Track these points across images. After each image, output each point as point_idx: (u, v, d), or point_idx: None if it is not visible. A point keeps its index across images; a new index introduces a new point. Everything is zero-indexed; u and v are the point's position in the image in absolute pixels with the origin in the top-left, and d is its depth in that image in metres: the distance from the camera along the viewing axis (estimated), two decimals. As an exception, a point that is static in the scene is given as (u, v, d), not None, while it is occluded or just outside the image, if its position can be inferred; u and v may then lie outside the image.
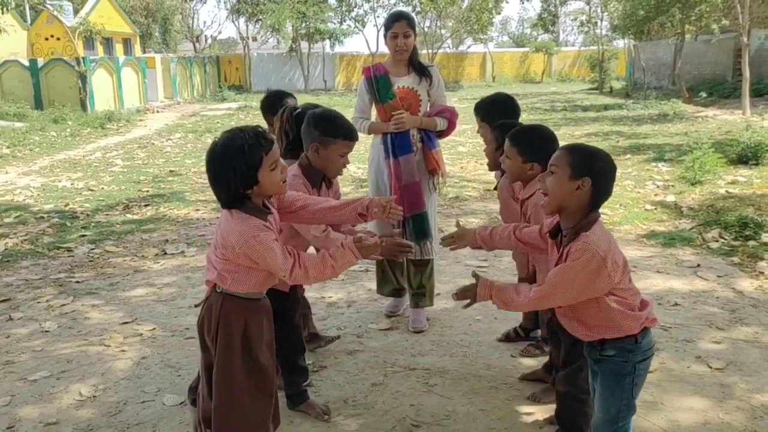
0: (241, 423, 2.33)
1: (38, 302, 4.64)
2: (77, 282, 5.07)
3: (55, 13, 21.77)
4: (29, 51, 24.47)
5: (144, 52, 31.44)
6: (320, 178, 2.90)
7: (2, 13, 17.26)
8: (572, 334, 2.59)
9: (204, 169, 2.28)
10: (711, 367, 3.39)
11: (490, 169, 3.39)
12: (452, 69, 35.76)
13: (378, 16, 32.71)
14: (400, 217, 2.74)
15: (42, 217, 7.28)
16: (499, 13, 33.84)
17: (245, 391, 2.31)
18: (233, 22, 35.12)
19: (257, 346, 2.33)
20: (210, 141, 2.61)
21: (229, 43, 50.83)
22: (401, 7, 30.04)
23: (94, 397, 3.28)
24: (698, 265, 4.95)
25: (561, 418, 2.78)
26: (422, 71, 3.96)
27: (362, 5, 32.99)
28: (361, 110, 4.03)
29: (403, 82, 3.94)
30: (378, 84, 3.93)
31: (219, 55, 36.48)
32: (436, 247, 4.01)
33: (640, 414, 2.77)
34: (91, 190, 8.96)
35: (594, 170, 2.13)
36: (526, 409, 3.06)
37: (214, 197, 2.30)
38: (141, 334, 4.04)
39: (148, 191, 8.75)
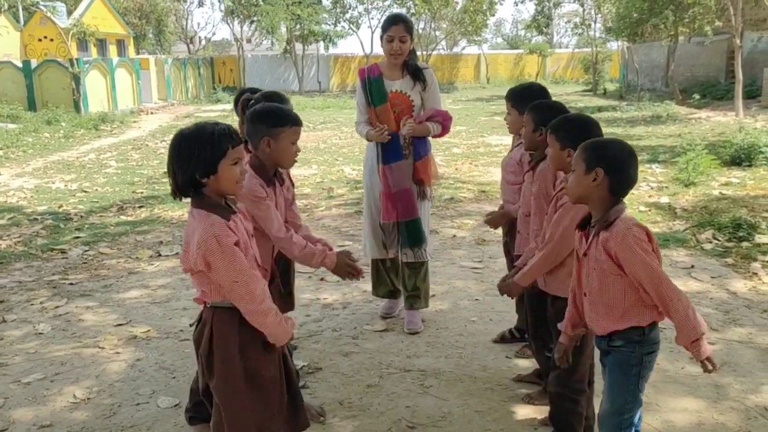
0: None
1: (32, 304, 4.62)
2: (71, 284, 5.05)
3: (49, 14, 21.69)
4: (22, 52, 24.38)
5: (138, 53, 31.38)
6: (272, 175, 2.83)
7: (-5, 14, 17.19)
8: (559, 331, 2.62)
9: None
10: (705, 368, 3.39)
11: (526, 149, 3.28)
12: (446, 71, 35.81)
13: (372, 18, 32.79)
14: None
15: (35, 219, 7.25)
16: (493, 15, 33.95)
17: (249, 402, 2.26)
18: (228, 23, 34.95)
19: (255, 355, 2.28)
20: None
21: (223, 44, 50.78)
22: (395, 9, 30.08)
23: (88, 399, 3.27)
24: (692, 266, 4.97)
25: (554, 419, 2.78)
26: (417, 75, 3.92)
27: (356, 7, 33.06)
28: (361, 113, 4.03)
29: (397, 86, 3.91)
30: (371, 87, 3.91)
31: (213, 56, 36.42)
32: (430, 250, 4.02)
33: (635, 415, 2.78)
34: (85, 191, 8.94)
35: (605, 159, 2.18)
36: (521, 410, 3.07)
37: None
38: (135, 336, 4.02)
39: (142, 193, 8.73)
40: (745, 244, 5.42)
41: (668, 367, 3.41)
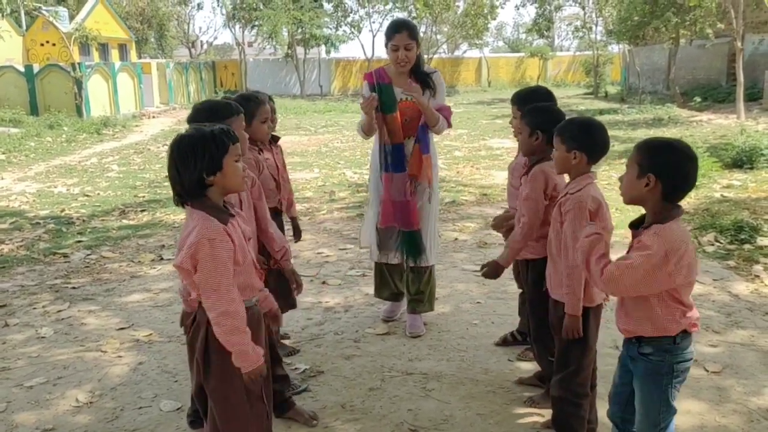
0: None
1: (34, 308, 4.63)
2: (73, 288, 5.06)
3: (51, 18, 21.72)
4: (25, 57, 24.42)
5: (140, 57, 31.43)
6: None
7: (-2, 19, 17.25)
8: (562, 336, 2.61)
9: None
10: (707, 371, 3.40)
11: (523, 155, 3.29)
12: (448, 74, 35.78)
13: (373, 22, 32.82)
14: None
15: (38, 223, 7.26)
16: (495, 19, 33.91)
17: (244, 401, 2.28)
18: (229, 28, 35.01)
19: None
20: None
21: (225, 48, 50.91)
22: (397, 13, 30.11)
23: (90, 403, 3.27)
24: (694, 269, 4.96)
25: (557, 423, 2.78)
26: (426, 83, 3.83)
27: (358, 11, 33.08)
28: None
29: (406, 94, 3.81)
30: (382, 94, 3.81)
31: (215, 60, 36.50)
32: (435, 254, 4.01)
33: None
34: (87, 195, 8.95)
35: (658, 166, 2.11)
36: (523, 413, 3.06)
37: None
38: (137, 340, 4.03)
39: (144, 196, 8.74)
40: (747, 246, 5.42)
41: (670, 370, 3.40)
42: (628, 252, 2.21)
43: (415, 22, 30.56)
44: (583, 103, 23.17)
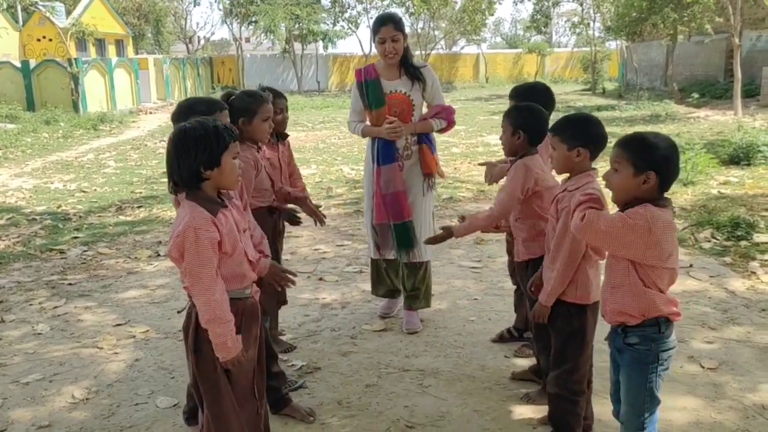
0: (233, 426, 2.32)
1: (30, 304, 4.62)
2: (70, 284, 5.05)
3: (47, 14, 21.66)
4: (21, 52, 24.37)
5: (136, 53, 31.37)
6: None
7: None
8: (559, 333, 2.62)
9: None
10: (703, 367, 3.40)
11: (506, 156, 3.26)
12: (445, 70, 35.79)
13: (371, 18, 32.71)
14: None
15: (34, 219, 7.24)
16: (492, 15, 33.93)
17: (230, 392, 2.29)
18: (227, 24, 34.92)
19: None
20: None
21: (222, 44, 50.73)
22: (394, 9, 30.06)
23: (87, 399, 3.27)
24: (690, 266, 4.97)
25: (553, 419, 2.78)
26: (415, 75, 3.85)
27: (355, 6, 33.02)
28: (355, 113, 4.01)
29: (395, 86, 3.84)
30: (368, 89, 3.85)
31: (212, 56, 36.41)
32: (430, 250, 4.01)
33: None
34: (84, 191, 8.93)
35: (656, 162, 2.14)
36: (520, 409, 3.07)
37: None
38: (134, 336, 4.02)
39: (141, 193, 8.73)
40: (743, 243, 5.42)
41: (667, 367, 3.41)
42: None
43: (412, 17, 30.72)
44: (580, 100, 23.18)
